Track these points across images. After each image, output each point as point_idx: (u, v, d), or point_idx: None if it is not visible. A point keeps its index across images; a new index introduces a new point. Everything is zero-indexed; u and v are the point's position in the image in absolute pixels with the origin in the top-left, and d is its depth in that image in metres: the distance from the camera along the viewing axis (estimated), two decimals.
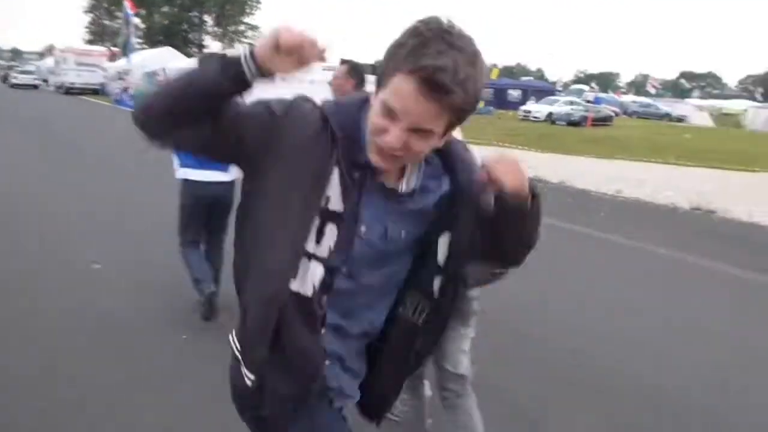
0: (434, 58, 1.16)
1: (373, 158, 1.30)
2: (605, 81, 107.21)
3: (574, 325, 4.65)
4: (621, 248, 7.22)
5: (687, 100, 63.58)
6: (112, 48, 43.83)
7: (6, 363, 3.48)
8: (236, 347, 1.50)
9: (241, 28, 61.12)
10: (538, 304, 4.99)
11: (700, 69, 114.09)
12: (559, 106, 32.51)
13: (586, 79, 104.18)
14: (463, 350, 2.54)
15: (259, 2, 61.87)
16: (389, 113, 1.23)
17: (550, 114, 31.35)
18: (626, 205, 10.30)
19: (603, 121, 31.52)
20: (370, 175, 1.34)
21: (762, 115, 40.65)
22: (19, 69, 42.04)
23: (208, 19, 61.15)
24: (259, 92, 1.29)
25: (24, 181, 8.86)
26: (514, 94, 43.40)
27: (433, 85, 1.17)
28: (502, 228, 1.37)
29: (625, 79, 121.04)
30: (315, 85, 3.98)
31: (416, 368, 1.58)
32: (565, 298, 5.28)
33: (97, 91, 33.57)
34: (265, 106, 1.34)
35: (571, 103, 33.52)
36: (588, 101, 38.32)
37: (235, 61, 1.21)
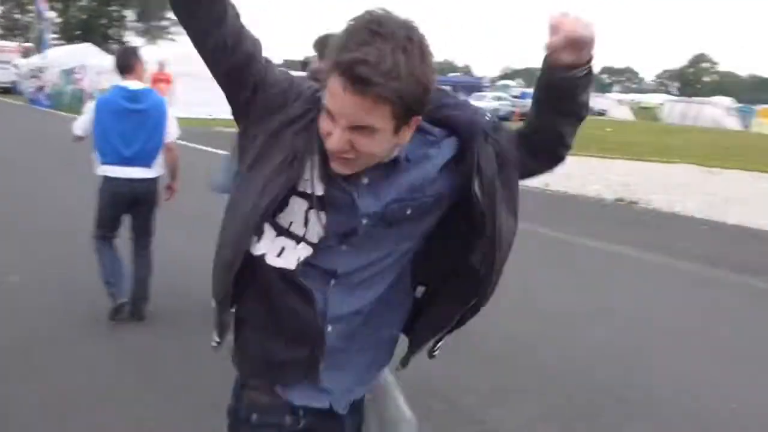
0: (354, 51, 1.14)
1: (332, 165, 1.27)
2: (530, 76, 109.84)
3: (504, 311, 4.69)
4: (550, 240, 7.35)
5: (608, 94, 65.87)
6: (25, 44, 41.83)
7: None
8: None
9: (165, 23, 59.43)
10: None
11: (619, 64, 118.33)
12: (487, 101, 33.02)
13: (512, 74, 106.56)
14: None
15: None
16: (329, 115, 1.21)
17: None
18: (554, 198, 10.51)
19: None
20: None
21: (677, 109, 42.60)
22: None
23: (129, 14, 59.14)
24: None
25: None
26: None
27: (355, 78, 1.13)
28: (564, 97, 1.37)
29: None
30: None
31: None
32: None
33: (8, 90, 31.87)
34: (286, 75, 1.36)
35: (499, 98, 34.16)
36: (515, 96, 39.15)
37: None
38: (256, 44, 1.35)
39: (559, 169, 1.58)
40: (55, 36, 40.39)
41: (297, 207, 1.33)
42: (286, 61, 25.26)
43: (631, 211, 9.86)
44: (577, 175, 12.02)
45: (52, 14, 37.13)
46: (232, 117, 1.40)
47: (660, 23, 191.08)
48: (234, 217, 1.36)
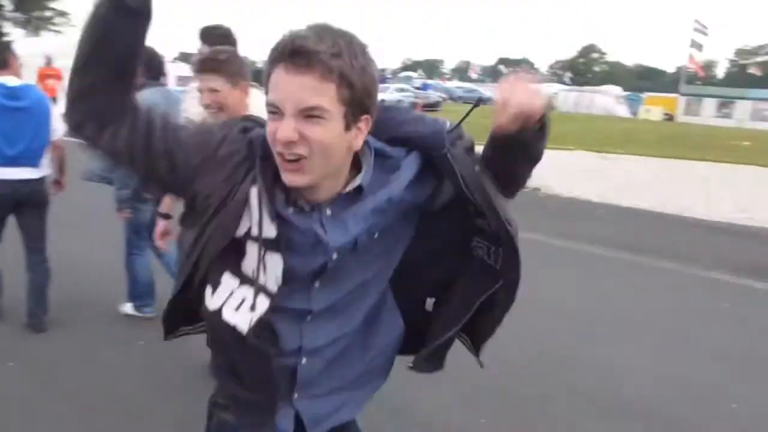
0: (291, 35, 1.14)
1: (284, 178, 1.20)
2: (431, 68, 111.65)
3: None
4: None
5: None
6: None
7: None
8: None
9: (48, 14, 56.04)
10: None
11: (515, 55, 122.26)
12: (390, 93, 33.30)
13: (412, 66, 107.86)
14: None
15: None
16: (274, 112, 1.16)
17: (381, 101, 31.85)
18: None
19: (432, 107, 32.69)
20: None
21: (571, 97, 44.38)
22: None
23: (7, 3, 55.40)
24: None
25: None
26: None
27: (293, 53, 1.11)
28: (516, 151, 1.31)
29: (448, 65, 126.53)
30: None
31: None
32: None
33: None
34: (205, 134, 1.26)
35: (401, 90, 34.45)
36: (417, 88, 39.63)
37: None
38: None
39: None
40: None
41: (253, 252, 1.25)
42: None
43: (535, 197, 10.17)
44: None
45: None
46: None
47: (552, 15, 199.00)
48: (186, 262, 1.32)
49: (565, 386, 3.79)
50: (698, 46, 46.20)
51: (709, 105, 43.88)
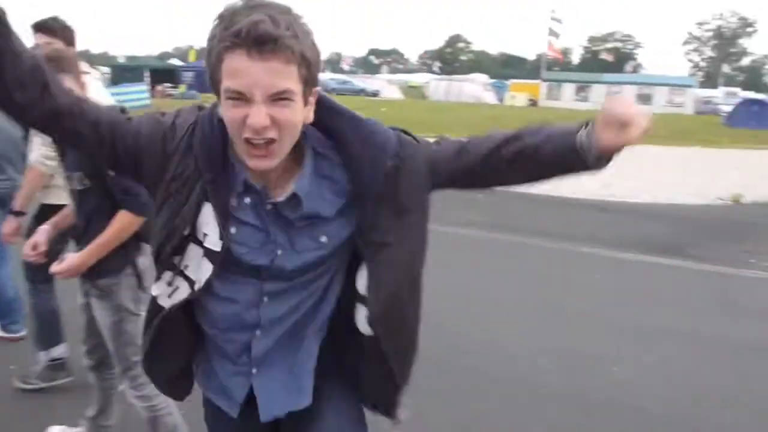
0: (245, 18, 1.12)
1: (250, 163, 1.23)
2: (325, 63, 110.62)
3: None
4: None
5: (377, 75, 68.64)
6: None
7: None
8: None
9: None
10: None
11: (385, 46, 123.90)
12: None
13: None
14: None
15: None
16: (240, 98, 1.15)
17: None
18: None
19: None
20: (259, 200, 1.31)
21: (442, 86, 45.65)
22: None
23: None
24: None
25: None
26: None
27: (258, 39, 1.11)
28: (574, 169, 1.33)
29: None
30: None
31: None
32: None
33: None
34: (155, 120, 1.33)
35: None
36: None
37: None
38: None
39: None
40: None
41: (193, 251, 1.34)
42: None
43: None
44: None
45: None
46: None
47: (419, 6, 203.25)
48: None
49: (457, 364, 3.95)
50: (555, 34, 48.96)
51: (568, 89, 46.56)
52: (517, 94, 44.09)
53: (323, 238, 1.35)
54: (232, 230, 1.32)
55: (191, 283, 1.36)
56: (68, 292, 2.93)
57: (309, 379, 1.48)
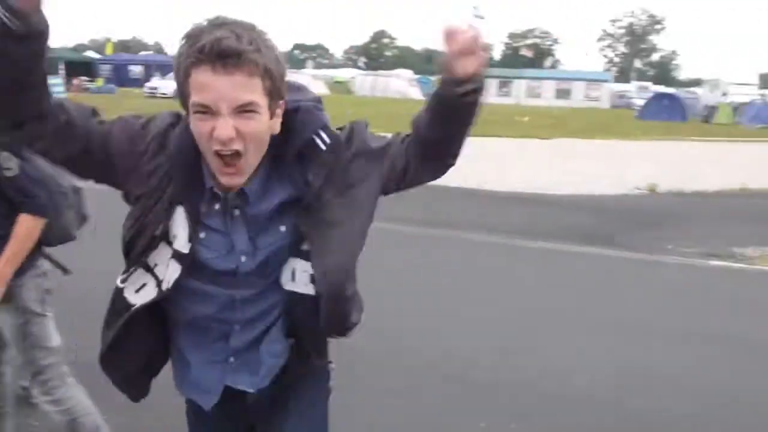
0: (209, 35, 1.17)
1: (222, 180, 1.29)
2: None
3: None
4: None
5: (303, 70, 68.17)
6: None
7: None
8: None
9: None
10: None
11: (310, 41, 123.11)
12: None
13: None
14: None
15: None
16: (206, 111, 1.20)
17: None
18: None
19: None
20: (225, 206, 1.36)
21: (368, 82, 45.74)
22: None
23: None
24: None
25: None
26: (136, 70, 41.35)
27: (222, 54, 1.16)
28: (459, 112, 1.35)
29: None
30: None
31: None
32: None
33: None
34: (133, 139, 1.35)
35: None
36: None
37: None
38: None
39: None
40: None
41: (163, 251, 1.38)
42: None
43: None
44: None
45: None
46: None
47: (343, 1, 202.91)
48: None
49: (392, 354, 3.97)
50: None
51: (491, 85, 47.34)
52: None
53: (282, 228, 1.40)
54: (202, 235, 1.37)
55: (158, 281, 1.39)
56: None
57: (273, 360, 1.52)
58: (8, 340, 2.40)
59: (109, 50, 48.48)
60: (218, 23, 1.20)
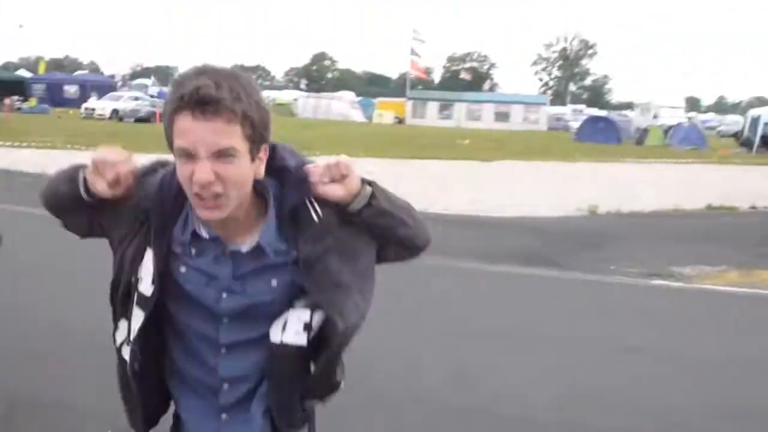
0: (191, 83, 1.24)
1: (201, 214, 1.32)
2: (164, 75, 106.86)
3: None
4: None
5: None
6: None
7: None
8: None
9: None
10: None
11: (250, 62, 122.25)
12: (124, 102, 31.45)
13: (143, 72, 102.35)
14: None
15: None
16: (187, 156, 1.26)
17: (115, 111, 30.15)
18: None
19: None
20: (206, 246, 1.40)
21: (310, 104, 45.74)
22: None
23: None
24: None
25: None
26: (71, 90, 40.26)
27: (201, 102, 1.22)
28: (378, 226, 1.40)
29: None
30: None
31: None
32: None
33: None
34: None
35: (136, 98, 32.64)
36: (152, 96, 37.80)
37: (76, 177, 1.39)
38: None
39: None
40: None
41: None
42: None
43: None
44: None
45: None
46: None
47: (284, 22, 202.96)
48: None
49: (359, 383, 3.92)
50: (417, 55, 50.67)
51: (432, 108, 48.25)
52: (384, 112, 45.07)
53: (273, 282, 1.42)
54: (182, 269, 1.41)
55: (128, 333, 1.44)
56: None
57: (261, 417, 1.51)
58: None
59: (42, 69, 47.06)
60: (201, 72, 1.26)
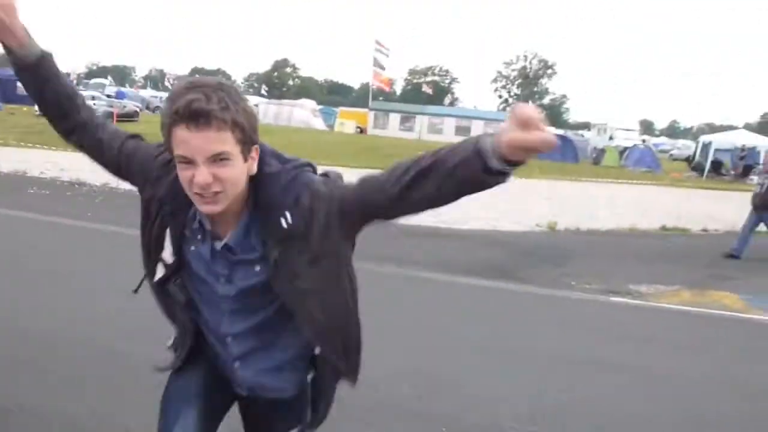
0: (183, 98, 1.39)
1: (203, 210, 1.51)
2: (121, 74, 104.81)
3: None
4: None
5: None
6: None
7: None
8: None
9: None
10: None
11: (210, 66, 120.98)
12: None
13: (100, 72, 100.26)
14: None
15: None
16: (187, 162, 1.43)
17: None
18: None
19: (129, 117, 30.87)
20: (207, 236, 1.62)
21: (271, 110, 45.38)
22: None
23: None
24: None
25: None
26: None
27: (193, 115, 1.38)
28: (479, 188, 1.43)
29: (141, 73, 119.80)
30: None
31: None
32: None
33: None
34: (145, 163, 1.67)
35: (93, 98, 31.95)
36: (109, 96, 37.08)
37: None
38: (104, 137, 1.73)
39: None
40: None
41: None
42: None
43: None
44: None
45: None
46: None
47: (245, 26, 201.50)
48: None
49: None
50: (380, 66, 50.89)
51: (394, 119, 48.47)
52: (346, 121, 45.05)
53: (257, 267, 1.61)
54: (192, 248, 1.65)
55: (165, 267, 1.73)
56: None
57: (289, 370, 1.81)
58: None
59: None
60: (191, 86, 1.41)
